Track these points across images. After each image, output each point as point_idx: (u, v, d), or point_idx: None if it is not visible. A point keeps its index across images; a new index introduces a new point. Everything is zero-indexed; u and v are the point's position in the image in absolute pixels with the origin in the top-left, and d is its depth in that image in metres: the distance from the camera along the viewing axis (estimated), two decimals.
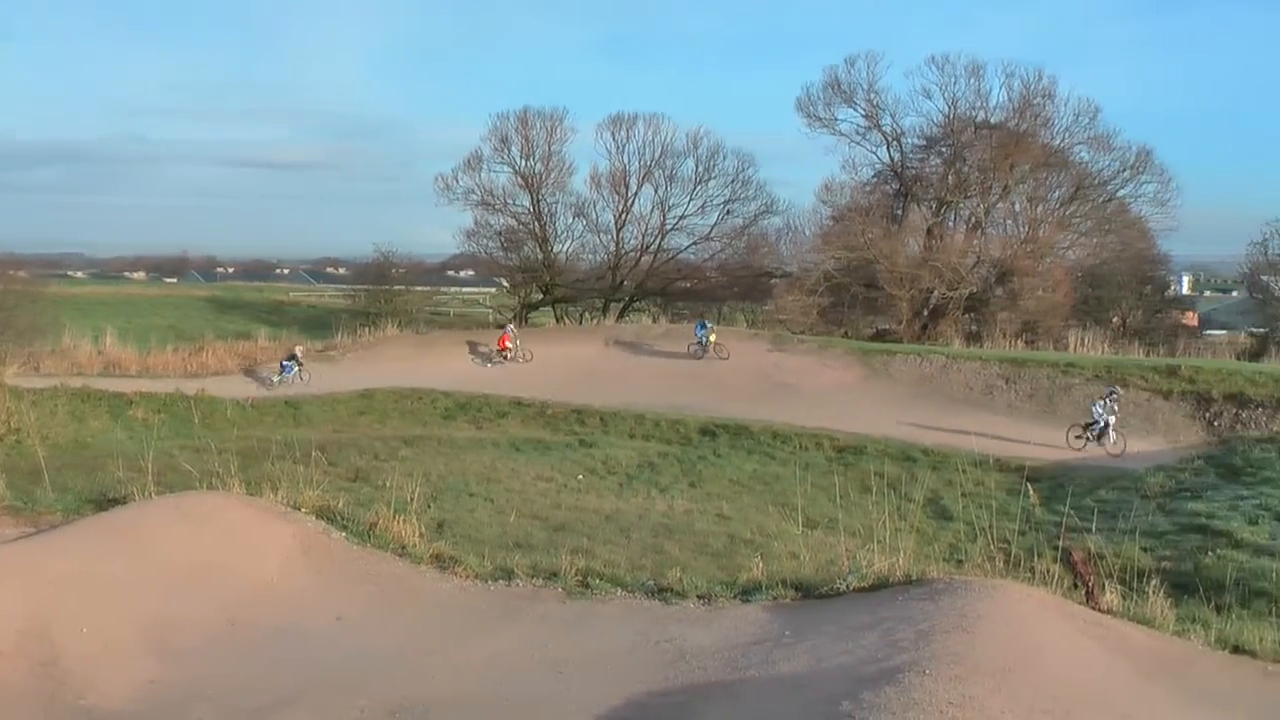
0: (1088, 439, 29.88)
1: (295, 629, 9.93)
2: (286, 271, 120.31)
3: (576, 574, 11.13)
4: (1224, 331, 62.15)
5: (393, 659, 9.24)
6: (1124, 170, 55.68)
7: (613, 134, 58.97)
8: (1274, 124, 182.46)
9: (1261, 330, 54.60)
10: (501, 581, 11.13)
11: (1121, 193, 56.42)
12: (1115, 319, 54.02)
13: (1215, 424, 31.25)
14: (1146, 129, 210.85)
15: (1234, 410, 31.47)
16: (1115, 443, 29.64)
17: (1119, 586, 10.62)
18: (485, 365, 41.82)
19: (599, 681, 8.55)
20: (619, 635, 9.68)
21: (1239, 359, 44.43)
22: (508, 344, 42.05)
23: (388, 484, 15.61)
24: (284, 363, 38.67)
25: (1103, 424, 29.88)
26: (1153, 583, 10.82)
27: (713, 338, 40.36)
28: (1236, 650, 9.58)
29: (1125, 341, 47.94)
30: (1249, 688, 9.04)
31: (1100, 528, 18.20)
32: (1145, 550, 17.55)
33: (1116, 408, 30.30)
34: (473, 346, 43.62)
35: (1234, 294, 78.64)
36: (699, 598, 10.47)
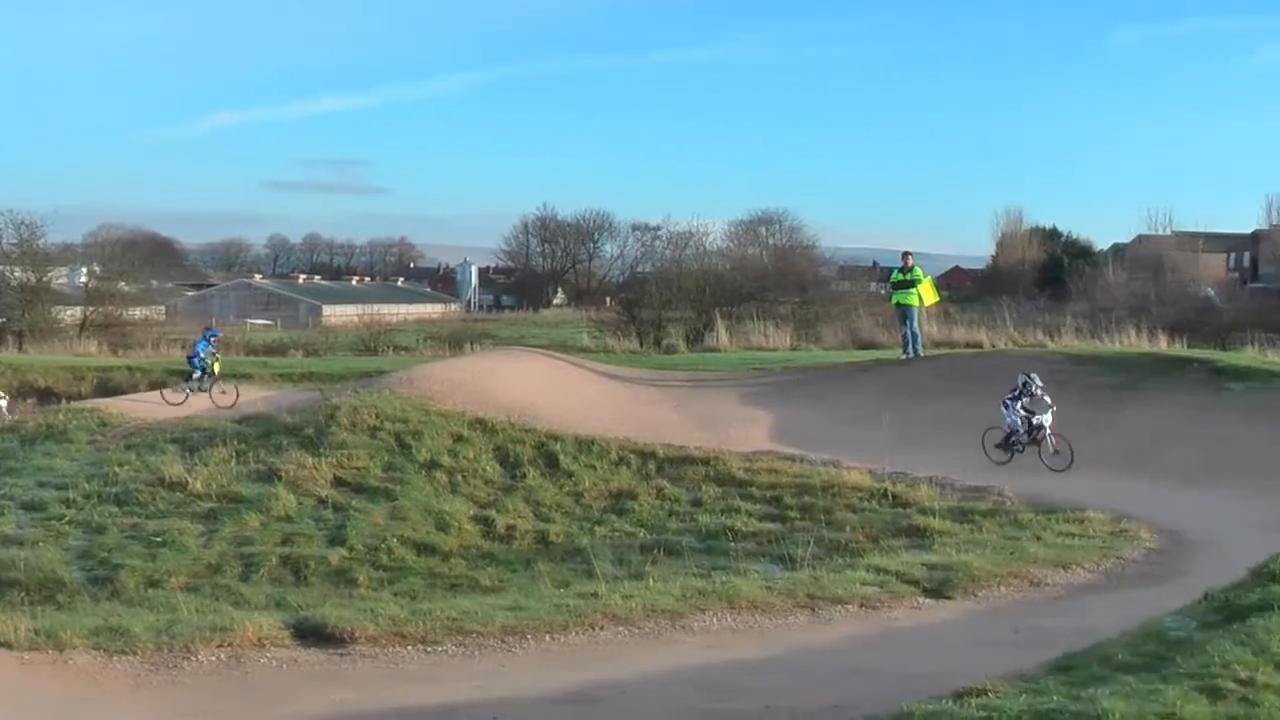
0: (1014, 450, 19.80)
1: None
2: None
3: None
4: None
5: None
6: None
7: None
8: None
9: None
10: None
11: None
12: None
13: None
14: None
15: None
16: (1057, 453, 19.39)
17: None
18: None
19: None
20: None
21: None
22: None
23: None
24: None
25: (1026, 427, 19.68)
26: None
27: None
28: None
29: None
30: (4, 680, 8.78)
31: None
32: None
33: (1048, 399, 19.87)
34: None
35: None
36: None
